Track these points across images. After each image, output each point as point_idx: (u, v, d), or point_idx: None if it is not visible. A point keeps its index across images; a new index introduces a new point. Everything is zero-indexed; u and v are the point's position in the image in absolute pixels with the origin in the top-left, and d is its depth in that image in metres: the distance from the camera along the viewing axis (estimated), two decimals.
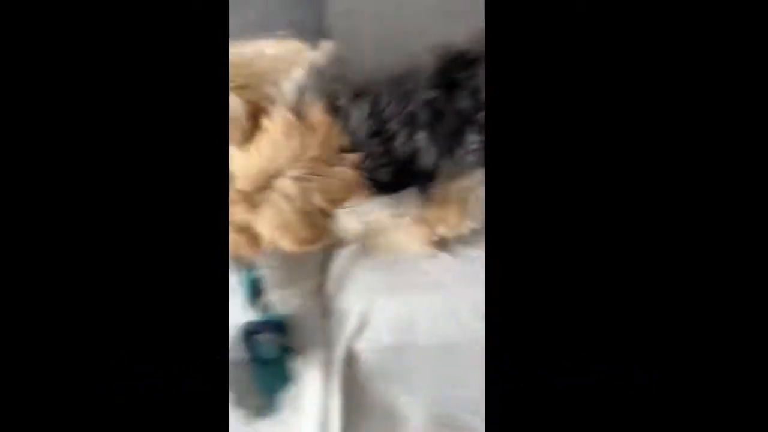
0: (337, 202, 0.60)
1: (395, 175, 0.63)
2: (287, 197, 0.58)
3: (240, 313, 0.65)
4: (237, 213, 0.59)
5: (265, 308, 0.65)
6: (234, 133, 0.61)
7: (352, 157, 0.61)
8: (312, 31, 1.11)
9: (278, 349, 0.65)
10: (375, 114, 0.63)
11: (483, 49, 0.63)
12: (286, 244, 0.59)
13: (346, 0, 1.07)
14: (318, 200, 0.59)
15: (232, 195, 0.59)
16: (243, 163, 0.59)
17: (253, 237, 0.60)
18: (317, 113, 0.61)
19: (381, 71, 1.06)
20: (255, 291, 0.66)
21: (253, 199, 0.58)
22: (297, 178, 0.58)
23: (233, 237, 0.60)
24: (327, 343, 0.68)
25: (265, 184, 0.58)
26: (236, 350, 0.64)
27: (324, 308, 0.71)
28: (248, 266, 0.66)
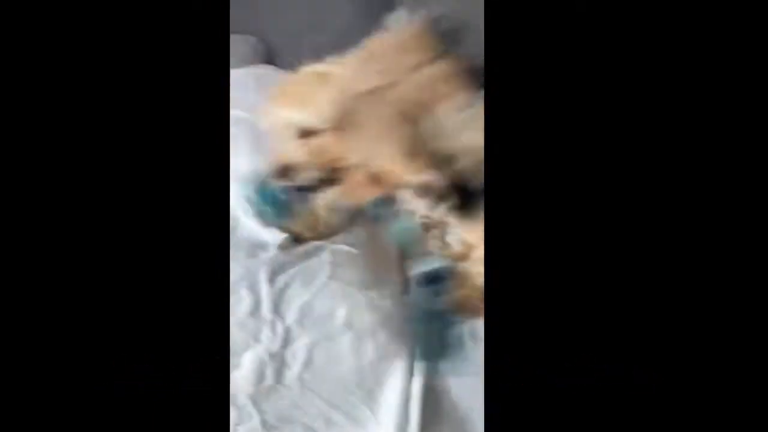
0: (427, 105, 0.56)
1: None
2: (369, 105, 0.56)
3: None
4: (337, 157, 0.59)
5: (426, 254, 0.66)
6: None
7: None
8: None
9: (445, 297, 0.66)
10: None
11: None
12: (392, 162, 0.57)
13: None
14: (404, 104, 0.56)
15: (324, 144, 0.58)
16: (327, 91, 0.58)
17: (368, 175, 0.60)
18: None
19: None
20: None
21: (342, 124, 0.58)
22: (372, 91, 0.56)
23: (353, 182, 0.61)
24: None
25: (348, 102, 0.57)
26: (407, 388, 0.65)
27: None
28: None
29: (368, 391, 0.67)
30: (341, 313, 0.73)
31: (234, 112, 0.85)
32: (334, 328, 0.71)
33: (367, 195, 0.62)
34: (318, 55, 1.03)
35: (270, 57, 1.16)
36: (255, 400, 0.68)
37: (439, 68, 0.57)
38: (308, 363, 0.68)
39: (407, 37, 0.60)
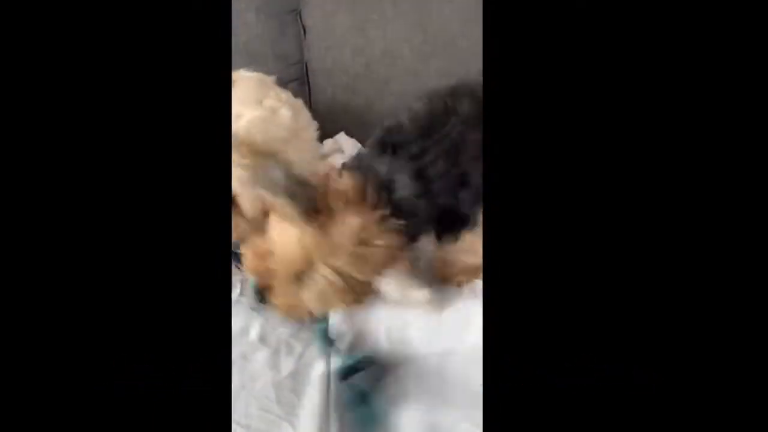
0: (378, 273, 0.61)
1: (439, 223, 0.64)
2: (327, 278, 0.57)
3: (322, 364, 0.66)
4: (283, 285, 0.60)
5: (351, 350, 0.66)
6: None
7: (395, 224, 0.59)
8: (295, 63, 1.13)
9: (370, 386, 0.65)
10: (421, 178, 0.61)
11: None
12: (332, 309, 0.63)
13: (325, 36, 1.12)
14: (358, 276, 0.58)
15: (276, 275, 0.59)
16: (278, 252, 0.58)
17: (302, 305, 0.61)
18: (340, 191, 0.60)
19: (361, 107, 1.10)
20: (328, 340, 0.68)
21: (296, 276, 0.58)
22: (336, 268, 0.57)
23: (290, 304, 0.62)
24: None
25: (306, 267, 0.57)
26: (326, 397, 0.64)
27: None
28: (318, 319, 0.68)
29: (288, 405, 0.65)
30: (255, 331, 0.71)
31: None
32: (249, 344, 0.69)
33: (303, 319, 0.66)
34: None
35: None
36: None
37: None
38: None
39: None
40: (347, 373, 0.66)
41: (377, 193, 0.60)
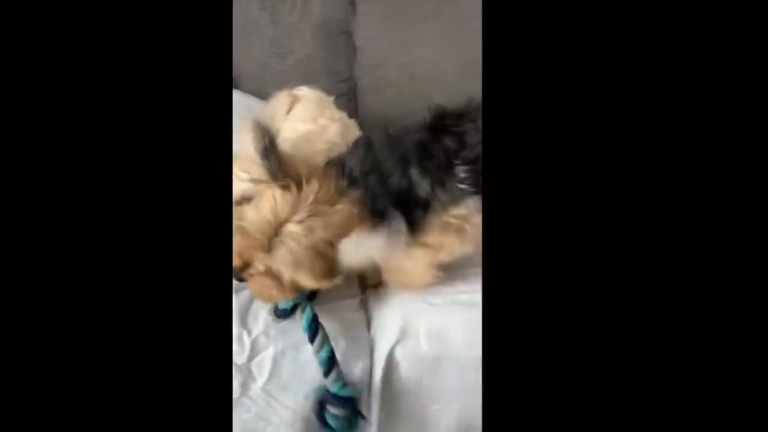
0: (340, 235, 0.65)
1: (393, 205, 0.69)
2: (294, 237, 0.63)
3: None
4: (258, 259, 0.65)
5: (337, 378, 0.67)
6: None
7: (351, 194, 0.66)
8: (344, 80, 1.21)
9: (346, 422, 0.67)
10: (369, 156, 0.69)
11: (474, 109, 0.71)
12: (304, 280, 0.64)
13: (373, 55, 1.19)
14: (323, 235, 0.63)
15: (250, 244, 0.64)
16: (252, 218, 0.65)
17: (276, 279, 0.65)
18: (307, 168, 0.68)
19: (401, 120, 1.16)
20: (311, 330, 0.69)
21: (268, 245, 0.64)
22: (300, 221, 0.63)
23: (262, 283, 0.65)
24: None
25: (274, 232, 0.63)
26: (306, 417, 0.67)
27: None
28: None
29: None
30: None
31: None
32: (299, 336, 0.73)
33: (273, 297, 0.68)
34: (282, 82, 1.09)
35: (236, 83, 1.20)
36: None
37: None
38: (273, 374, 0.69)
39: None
40: (327, 401, 0.66)
41: (336, 169, 0.68)
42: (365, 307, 0.81)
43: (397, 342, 0.73)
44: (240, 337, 0.71)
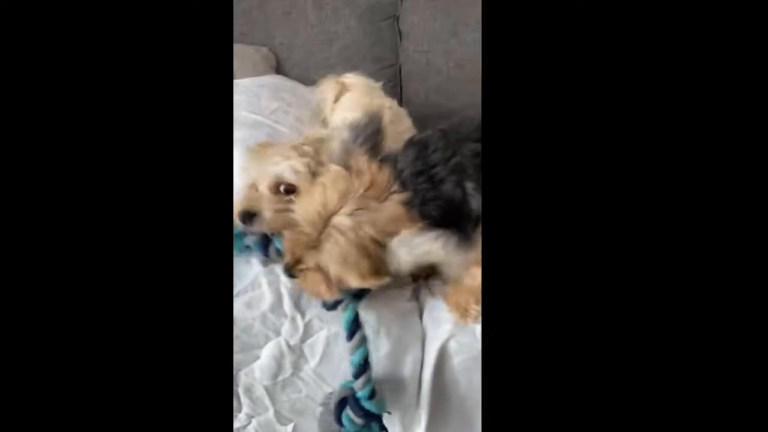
0: (388, 234, 0.64)
1: (444, 213, 0.67)
2: (342, 231, 0.63)
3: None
4: (308, 255, 0.65)
5: (366, 384, 0.67)
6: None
7: (400, 194, 0.65)
8: (389, 66, 1.21)
9: (365, 424, 0.67)
10: (421, 158, 0.67)
11: None
12: (350, 278, 0.64)
13: (420, 40, 1.18)
14: (370, 232, 0.63)
15: (300, 240, 0.65)
16: (302, 210, 0.65)
17: (326, 275, 0.65)
18: (362, 160, 0.67)
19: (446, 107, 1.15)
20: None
21: (317, 239, 0.64)
22: (349, 214, 0.63)
23: (313, 279, 0.66)
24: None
25: (323, 225, 0.64)
26: (327, 414, 0.67)
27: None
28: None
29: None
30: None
31: (251, 116, 0.89)
32: None
33: (322, 294, 0.67)
34: (327, 68, 1.09)
35: (281, 68, 1.21)
36: (270, 392, 0.70)
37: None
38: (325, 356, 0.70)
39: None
40: (349, 404, 0.65)
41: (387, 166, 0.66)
42: (417, 297, 0.81)
43: (451, 336, 0.72)
44: (293, 319, 0.72)
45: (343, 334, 0.69)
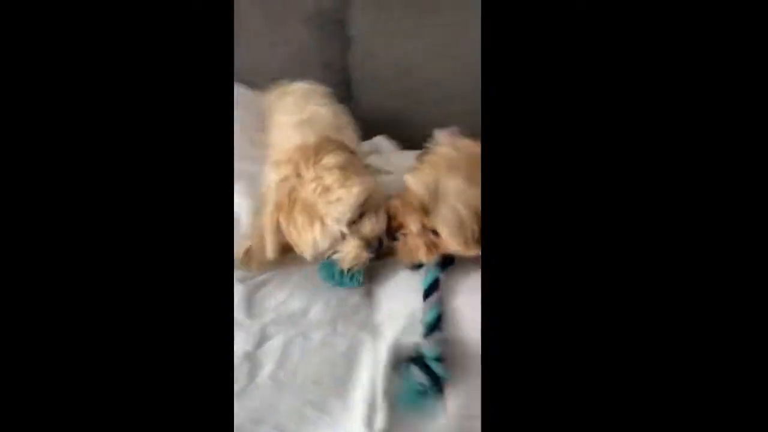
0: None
1: None
2: (458, 194, 0.65)
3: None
4: (413, 221, 0.68)
5: (435, 346, 0.66)
6: None
7: None
8: (337, 70, 1.21)
9: (420, 390, 0.64)
10: None
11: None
12: (456, 243, 0.65)
13: (367, 45, 1.18)
14: (476, 202, 0.65)
15: (410, 204, 0.67)
16: (415, 180, 0.68)
17: (429, 240, 0.67)
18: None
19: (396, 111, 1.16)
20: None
21: (430, 205, 0.66)
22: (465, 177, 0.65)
23: (413, 243, 0.69)
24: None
25: (435, 189, 0.66)
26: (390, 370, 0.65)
27: None
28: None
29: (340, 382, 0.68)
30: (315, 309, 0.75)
31: None
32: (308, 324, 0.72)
33: (418, 257, 0.70)
34: (275, 74, 1.09)
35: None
36: None
37: None
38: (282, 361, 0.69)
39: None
40: (415, 362, 0.64)
41: None
42: None
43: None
44: (247, 327, 0.70)
45: (302, 337, 0.69)
